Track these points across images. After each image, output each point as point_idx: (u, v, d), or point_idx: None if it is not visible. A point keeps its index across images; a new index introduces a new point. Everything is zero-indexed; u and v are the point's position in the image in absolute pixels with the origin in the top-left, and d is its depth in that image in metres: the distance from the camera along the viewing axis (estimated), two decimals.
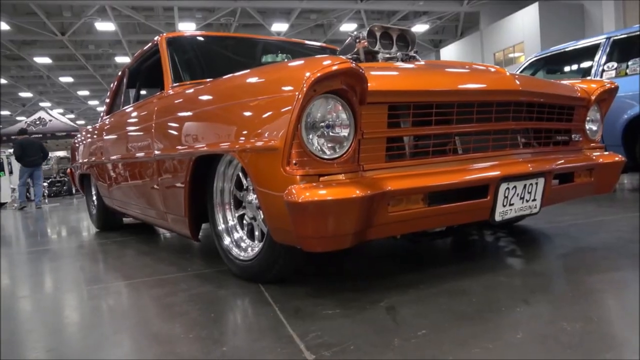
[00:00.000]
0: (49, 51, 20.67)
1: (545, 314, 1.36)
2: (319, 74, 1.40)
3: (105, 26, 17.36)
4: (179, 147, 2.16)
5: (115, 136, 3.28)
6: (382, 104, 1.58)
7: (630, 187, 4.59)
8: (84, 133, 4.48)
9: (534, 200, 1.94)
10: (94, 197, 4.25)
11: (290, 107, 1.44)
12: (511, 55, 21.82)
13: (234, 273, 2.03)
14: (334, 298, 1.64)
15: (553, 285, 1.62)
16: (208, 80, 2.68)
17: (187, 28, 18.40)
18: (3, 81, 23.95)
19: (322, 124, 1.49)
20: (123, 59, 22.40)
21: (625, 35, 4.13)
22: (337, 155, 1.50)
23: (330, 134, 1.50)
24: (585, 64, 4.37)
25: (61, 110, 31.28)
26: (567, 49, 4.56)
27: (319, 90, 1.43)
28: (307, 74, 1.40)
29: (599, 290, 1.54)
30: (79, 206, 8.38)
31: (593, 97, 2.31)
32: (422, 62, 2.28)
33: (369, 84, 1.52)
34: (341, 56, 2.27)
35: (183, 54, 3.03)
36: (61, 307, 1.94)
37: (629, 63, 3.98)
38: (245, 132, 1.66)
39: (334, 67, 1.40)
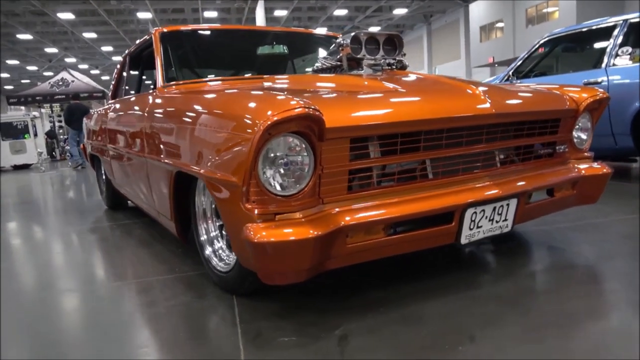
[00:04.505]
0: (72, 7, 20.72)
1: (484, 357, 1.42)
2: (275, 118, 1.43)
3: None
4: (162, 157, 2.23)
5: (116, 126, 3.36)
6: (344, 139, 1.60)
7: (637, 174, 4.49)
8: (95, 112, 4.60)
9: (505, 220, 1.96)
10: (104, 177, 4.41)
11: (248, 146, 1.48)
12: (545, 10, 20.80)
13: (214, 282, 2.14)
14: (295, 320, 1.73)
15: (508, 317, 1.66)
16: (201, 80, 2.73)
17: None
18: (29, 37, 24.23)
19: (281, 161, 1.53)
20: (145, 15, 22.30)
21: None
22: (295, 192, 1.54)
23: (289, 171, 1.54)
24: (599, 46, 4.18)
25: (86, 66, 31.62)
26: (582, 29, 4.36)
27: (274, 132, 1.46)
28: (262, 120, 1.43)
29: (552, 326, 1.57)
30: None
31: (581, 107, 2.26)
32: (406, 77, 2.24)
33: (330, 118, 1.54)
34: (319, 70, 2.26)
35: (177, 50, 3.05)
36: (47, 310, 2.09)
37: None
38: (211, 159, 1.71)
39: (288, 114, 1.42)
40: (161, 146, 2.27)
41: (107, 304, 2.08)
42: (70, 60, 29.93)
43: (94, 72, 32.95)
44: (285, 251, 1.48)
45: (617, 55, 3.93)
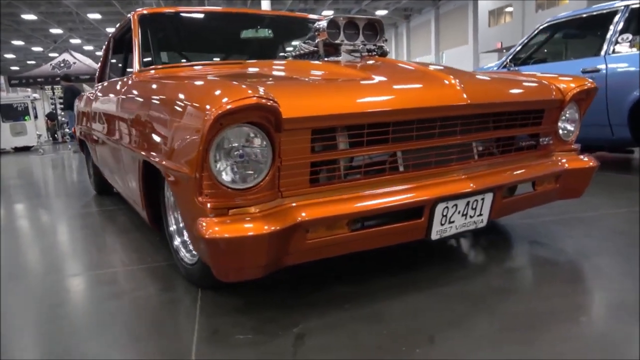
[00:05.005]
0: None
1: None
2: (227, 107, 1.35)
3: None
4: (131, 145, 2.17)
5: (97, 110, 3.30)
6: (304, 130, 1.53)
7: (638, 165, 4.37)
8: (83, 95, 4.54)
9: (480, 215, 1.89)
10: (92, 161, 4.36)
11: (199, 136, 1.41)
12: None
13: (182, 274, 2.09)
14: (255, 317, 1.67)
15: (474, 318, 1.59)
16: (179, 65, 2.65)
17: None
18: (34, 17, 24.13)
19: (236, 153, 1.46)
20: None
21: None
22: (251, 185, 1.48)
23: (244, 163, 1.47)
24: (600, 32, 4.04)
25: (91, 48, 31.48)
26: (583, 15, 4.22)
27: (226, 122, 1.39)
28: (212, 110, 1.36)
29: (517, 329, 1.51)
30: None
31: (568, 98, 2.16)
32: (381, 64, 2.15)
33: (289, 108, 1.47)
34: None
35: (159, 33, 2.96)
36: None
37: None
38: (167, 149, 1.64)
39: (240, 104, 1.35)
40: (129, 133, 2.21)
41: (68, 294, 2.04)
42: (75, 41, 29.80)
43: (99, 53, 32.81)
44: (239, 247, 1.42)
45: (617, 42, 3.80)
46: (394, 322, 1.58)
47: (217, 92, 1.43)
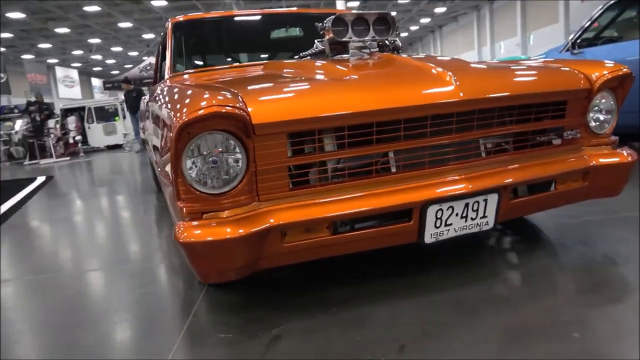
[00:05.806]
0: None
1: None
2: (190, 116, 1.40)
3: None
4: (151, 148, 2.31)
5: (145, 114, 3.53)
6: (279, 134, 1.53)
7: None
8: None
9: (484, 217, 1.78)
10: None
11: (171, 145, 1.47)
12: None
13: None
14: (244, 316, 1.72)
15: (454, 327, 1.50)
16: (210, 68, 2.77)
17: None
18: (129, 25, 26.11)
19: (210, 159, 1.51)
20: None
21: None
22: (225, 190, 1.51)
23: (218, 169, 1.51)
24: None
25: None
26: None
27: (194, 131, 1.44)
28: (177, 119, 1.41)
29: (496, 342, 1.41)
30: None
31: (596, 87, 1.95)
32: (376, 61, 2.08)
33: (262, 113, 1.48)
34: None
35: (191, 38, 3.10)
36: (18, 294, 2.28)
37: None
38: (159, 156, 1.73)
39: (203, 113, 1.39)
40: (151, 137, 2.35)
41: (86, 286, 2.22)
42: None
43: None
44: (210, 250, 1.46)
45: None
46: (373, 329, 1.54)
47: (186, 102, 1.48)
